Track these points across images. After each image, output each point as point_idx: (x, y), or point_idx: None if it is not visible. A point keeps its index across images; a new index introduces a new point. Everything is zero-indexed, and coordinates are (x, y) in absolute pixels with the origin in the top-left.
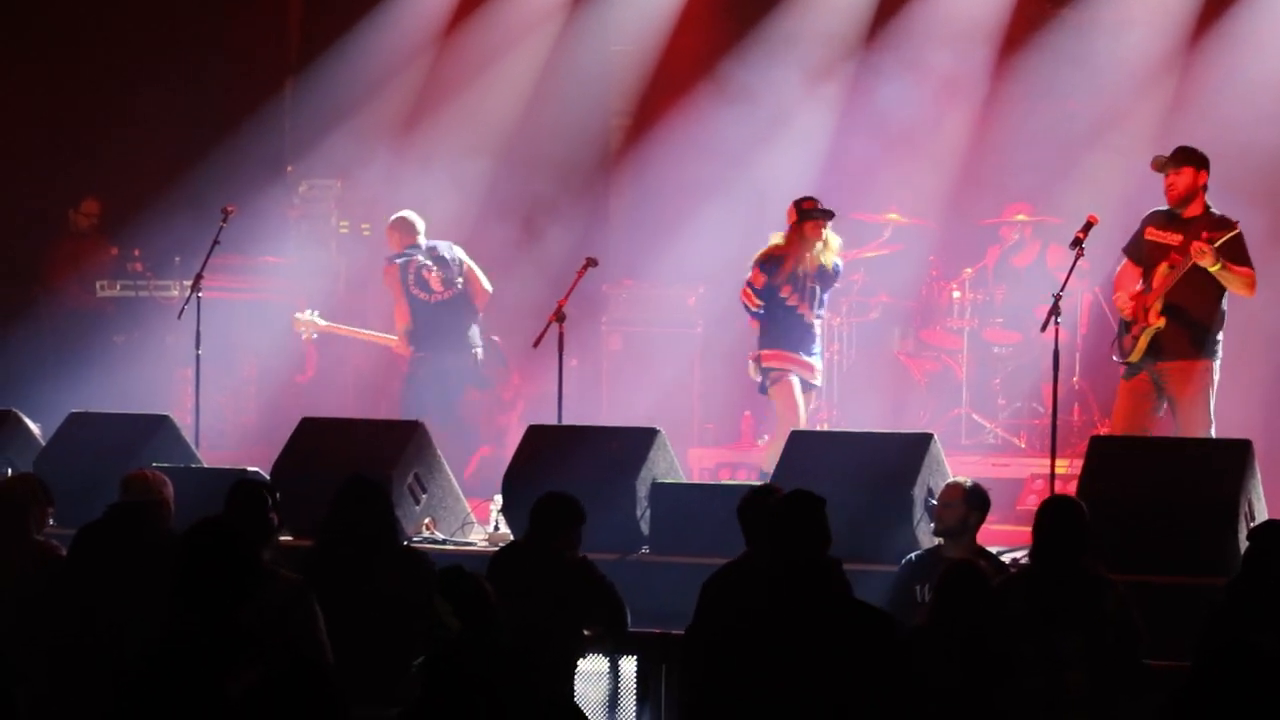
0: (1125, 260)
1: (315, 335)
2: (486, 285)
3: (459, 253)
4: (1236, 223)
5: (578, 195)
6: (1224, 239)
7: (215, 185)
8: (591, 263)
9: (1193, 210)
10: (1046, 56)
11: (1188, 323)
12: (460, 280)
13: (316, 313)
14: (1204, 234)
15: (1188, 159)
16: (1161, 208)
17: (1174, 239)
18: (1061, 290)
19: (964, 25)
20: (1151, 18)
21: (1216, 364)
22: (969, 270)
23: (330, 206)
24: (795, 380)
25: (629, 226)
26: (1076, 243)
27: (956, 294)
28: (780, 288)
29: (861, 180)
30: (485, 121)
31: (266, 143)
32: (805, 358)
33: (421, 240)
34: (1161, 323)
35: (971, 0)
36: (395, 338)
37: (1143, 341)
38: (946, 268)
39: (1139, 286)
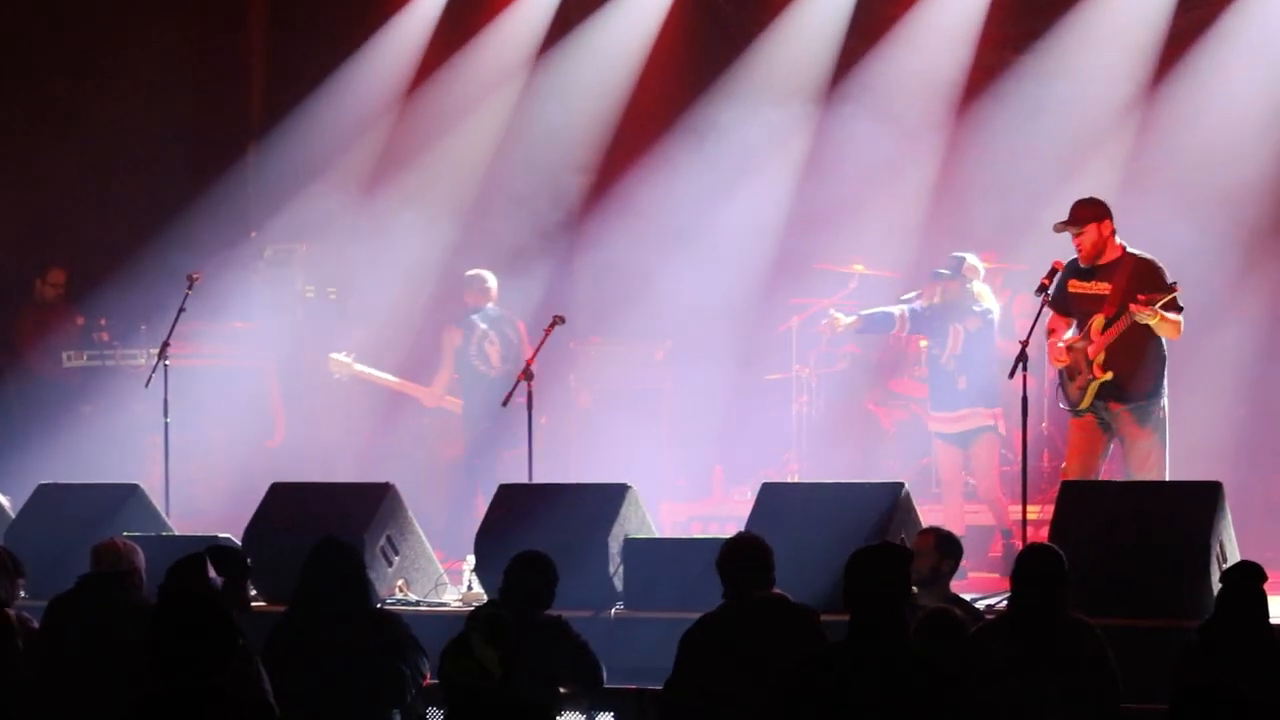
0: (1053, 315)
1: (346, 377)
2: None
3: (520, 331)
4: (1175, 285)
5: (543, 253)
6: (1164, 301)
7: (180, 252)
8: (559, 320)
9: (1110, 256)
10: (1007, 104)
11: (1133, 369)
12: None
13: (353, 355)
14: (1140, 296)
15: (1086, 218)
16: (1076, 258)
17: (1102, 288)
18: (1028, 337)
19: (925, 74)
20: (1109, 64)
21: (1165, 402)
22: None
23: (295, 271)
24: None
25: (595, 283)
26: (1041, 289)
27: (924, 343)
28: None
29: (826, 231)
30: (449, 182)
31: (230, 208)
32: None
33: (491, 306)
34: (1108, 376)
35: (932, 49)
36: (429, 389)
37: (1091, 391)
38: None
39: (1071, 335)
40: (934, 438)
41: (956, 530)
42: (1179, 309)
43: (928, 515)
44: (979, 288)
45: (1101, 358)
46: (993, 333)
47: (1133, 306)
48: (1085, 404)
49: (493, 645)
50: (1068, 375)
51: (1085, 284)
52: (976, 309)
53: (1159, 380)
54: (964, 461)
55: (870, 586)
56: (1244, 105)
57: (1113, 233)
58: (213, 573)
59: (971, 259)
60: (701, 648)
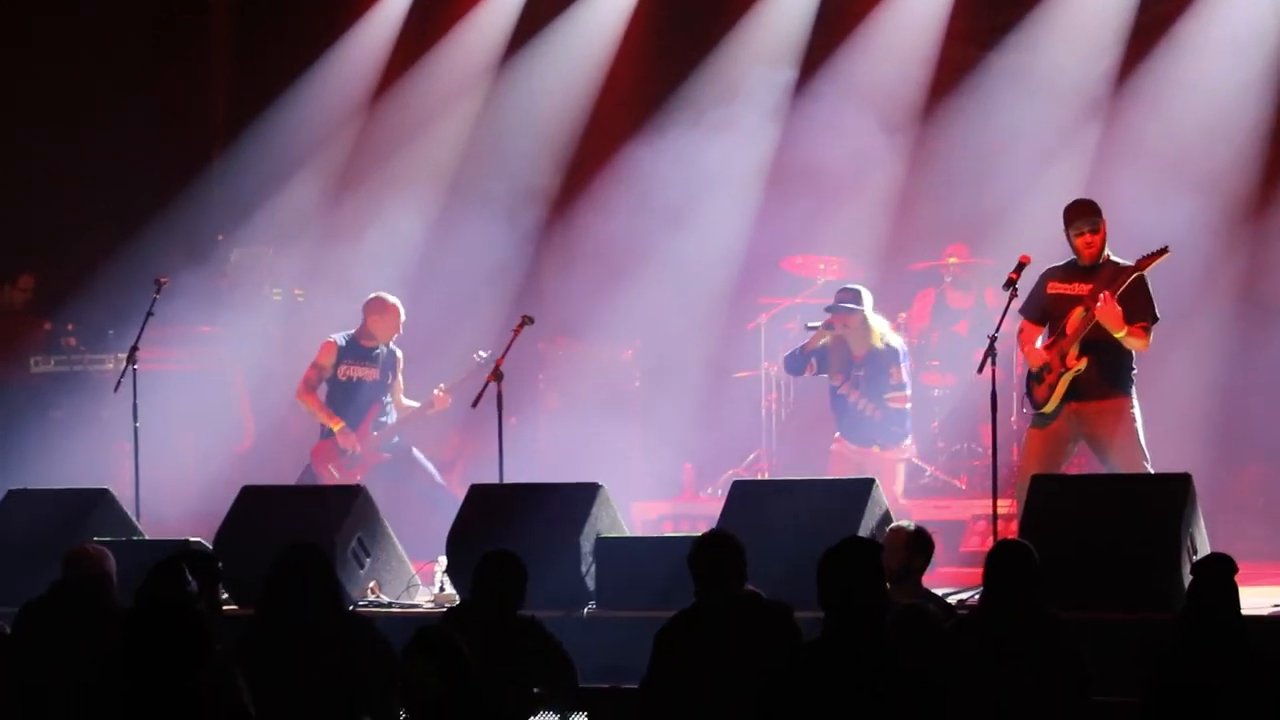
0: (1023, 321)
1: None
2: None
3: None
4: (1137, 267)
5: (512, 253)
6: (1125, 285)
7: (147, 257)
8: (527, 321)
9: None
10: (976, 99)
11: (1107, 362)
12: None
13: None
14: (1105, 294)
15: (1099, 211)
16: (1059, 263)
17: (1081, 289)
18: (996, 331)
19: (894, 71)
20: (1078, 59)
21: (1136, 397)
22: (903, 314)
23: (262, 274)
24: None
25: (563, 283)
26: (1010, 284)
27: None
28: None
29: (794, 229)
30: (418, 183)
31: (196, 212)
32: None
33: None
34: (1083, 364)
35: (900, 46)
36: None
37: (1061, 387)
38: (882, 312)
39: (1046, 339)
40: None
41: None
42: (1151, 311)
43: (899, 511)
44: (875, 322)
45: (1076, 349)
46: (898, 365)
47: (1097, 306)
48: (1052, 405)
49: (430, 658)
50: (1035, 376)
51: (1066, 285)
52: (879, 345)
53: (1128, 375)
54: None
55: (843, 582)
56: (1211, 94)
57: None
58: (189, 578)
59: (866, 293)
60: (676, 646)
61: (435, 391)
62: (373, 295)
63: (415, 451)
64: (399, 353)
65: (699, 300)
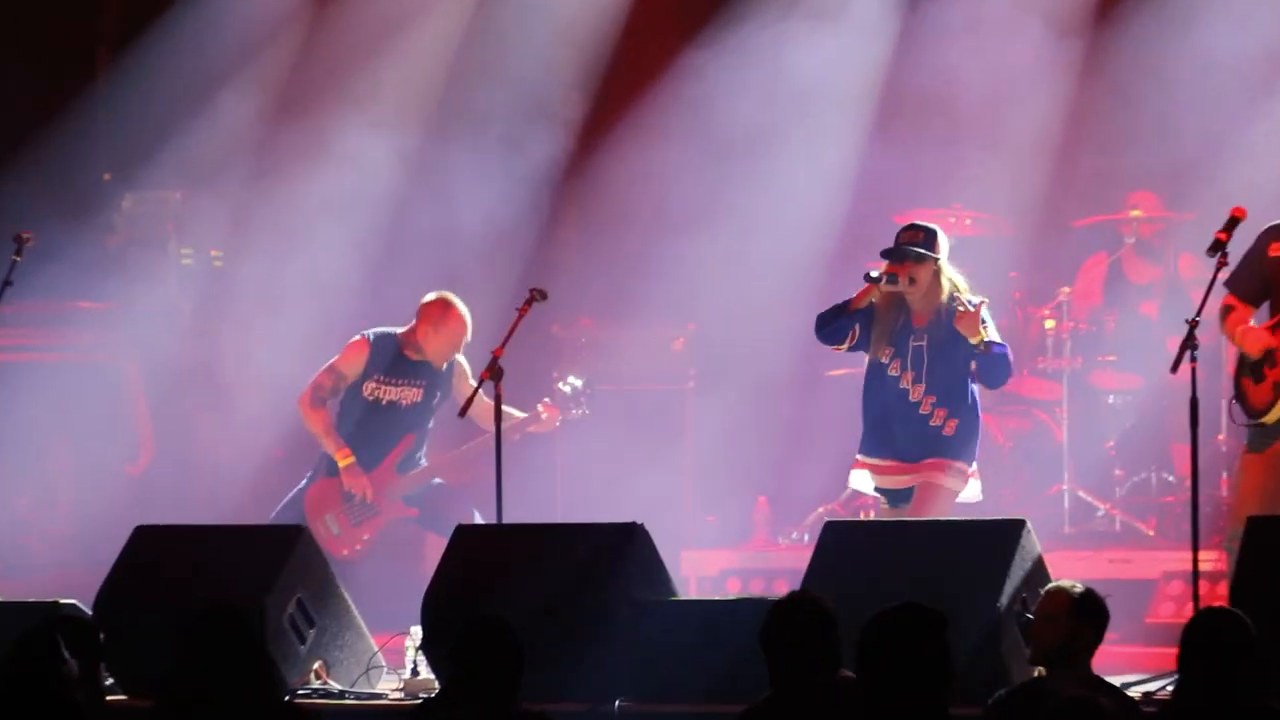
0: (1229, 297)
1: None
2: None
3: None
4: None
5: (518, 202)
6: None
7: (5, 203)
8: (538, 295)
9: None
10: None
11: None
12: None
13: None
14: None
15: None
16: None
17: None
18: (1198, 314)
19: None
20: None
21: None
22: (1067, 290)
23: (167, 229)
24: None
25: (589, 244)
26: (1217, 246)
27: (1050, 324)
28: None
29: (917, 172)
30: (388, 105)
31: (75, 143)
32: None
33: None
34: None
35: None
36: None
37: None
38: (1035, 287)
39: (1269, 320)
40: (858, 487)
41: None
42: None
43: (1059, 566)
44: (953, 276)
45: None
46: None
47: None
48: (1276, 414)
49: None
50: (1251, 371)
51: None
52: (956, 306)
53: None
54: None
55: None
56: None
57: None
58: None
59: (943, 236)
60: None
61: (539, 407)
62: (434, 296)
63: (466, 504)
64: (461, 362)
65: (779, 271)
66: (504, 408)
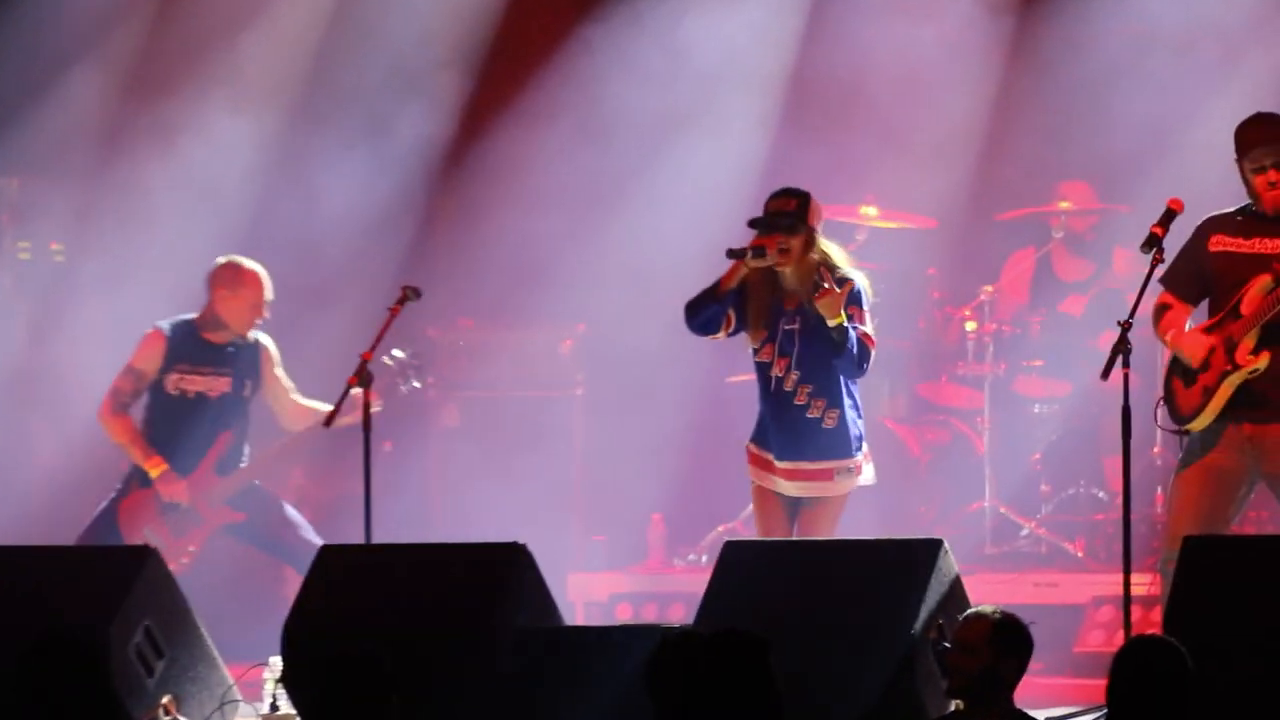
0: (1165, 294)
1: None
2: None
3: None
4: None
5: (390, 191)
6: None
7: None
8: (411, 294)
9: None
10: None
11: None
12: None
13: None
14: None
15: None
16: (1227, 211)
17: (1265, 246)
18: (1132, 315)
19: None
20: None
21: None
22: (990, 289)
23: (2, 220)
24: None
25: (468, 238)
26: (1152, 241)
27: (971, 325)
28: None
29: (826, 160)
30: (245, 86)
31: None
32: None
33: None
34: (1263, 362)
35: None
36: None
37: (1223, 394)
38: (955, 286)
39: (1206, 322)
40: (757, 490)
41: None
42: None
43: (979, 590)
44: (832, 248)
45: (1253, 338)
46: (859, 307)
47: None
48: (1205, 420)
49: None
50: (1183, 374)
51: (1241, 242)
52: (820, 280)
53: None
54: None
55: None
56: None
57: None
58: None
59: (815, 203)
60: None
61: (346, 385)
62: (221, 261)
63: (288, 508)
64: (267, 345)
65: (677, 268)
66: (302, 400)
